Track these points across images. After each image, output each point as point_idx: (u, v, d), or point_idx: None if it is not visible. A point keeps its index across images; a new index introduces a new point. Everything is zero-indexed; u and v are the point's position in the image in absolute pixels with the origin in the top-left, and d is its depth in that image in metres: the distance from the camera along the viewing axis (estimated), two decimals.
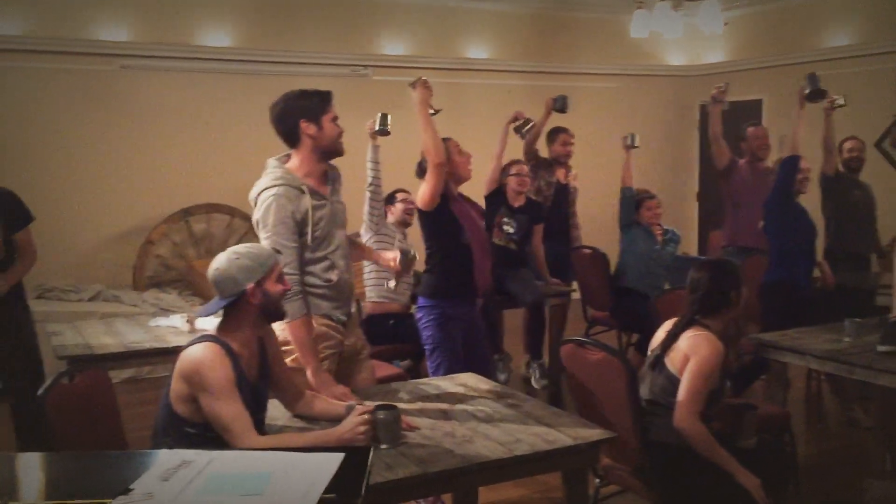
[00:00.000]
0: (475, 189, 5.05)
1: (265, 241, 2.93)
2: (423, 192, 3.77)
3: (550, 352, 5.42)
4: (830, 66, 7.78)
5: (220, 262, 2.47)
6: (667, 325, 3.12)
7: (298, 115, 3.00)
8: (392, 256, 3.53)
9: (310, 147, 3.03)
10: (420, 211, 3.88)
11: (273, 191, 2.94)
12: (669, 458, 2.90)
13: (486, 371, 3.79)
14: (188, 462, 1.43)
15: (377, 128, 4.61)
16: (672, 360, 2.98)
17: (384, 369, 4.21)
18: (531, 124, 5.44)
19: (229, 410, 2.31)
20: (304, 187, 2.98)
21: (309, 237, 2.97)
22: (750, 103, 8.68)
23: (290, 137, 3.04)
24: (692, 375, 2.89)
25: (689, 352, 2.93)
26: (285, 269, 2.84)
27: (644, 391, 3.01)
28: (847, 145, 5.61)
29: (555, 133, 6.02)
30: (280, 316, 2.60)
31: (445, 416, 2.76)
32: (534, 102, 8.29)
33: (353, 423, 2.40)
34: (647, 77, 9.19)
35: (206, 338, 2.44)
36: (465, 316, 3.95)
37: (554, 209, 5.93)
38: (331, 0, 7.58)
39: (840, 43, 7.85)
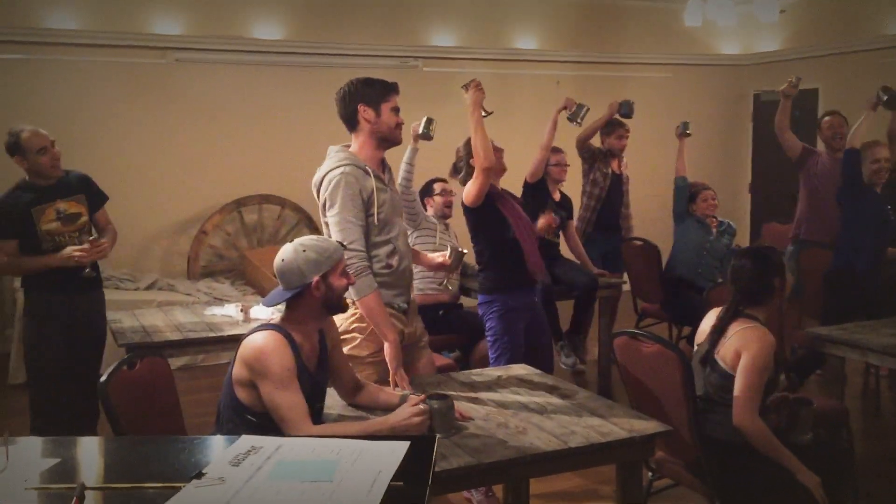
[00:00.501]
0: (516, 177, 5.05)
1: (333, 218, 2.98)
2: (469, 192, 3.82)
3: (601, 344, 5.39)
4: (890, 54, 7.59)
5: (286, 253, 2.50)
6: (711, 318, 3.08)
7: (358, 100, 3.06)
8: (440, 255, 3.56)
9: (367, 132, 3.08)
10: (466, 208, 3.92)
11: (340, 170, 3.00)
12: (725, 455, 2.87)
13: (548, 360, 3.85)
14: (257, 448, 1.46)
15: (420, 131, 4.52)
16: (723, 356, 2.94)
17: (434, 360, 4.23)
18: (585, 109, 5.38)
19: (287, 399, 2.35)
20: (368, 168, 3.04)
21: (375, 218, 3.02)
22: (805, 92, 8.46)
23: (350, 121, 3.11)
24: (747, 372, 2.84)
25: (741, 347, 2.88)
26: (353, 246, 2.92)
27: (697, 387, 2.98)
28: None
29: (612, 126, 5.97)
30: (342, 309, 2.62)
31: (499, 406, 2.76)
32: (584, 92, 8.21)
33: (408, 413, 2.42)
34: (700, 66, 9.05)
35: (269, 326, 2.48)
36: (527, 306, 4.01)
37: (608, 200, 5.89)
38: None
39: None
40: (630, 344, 3.08)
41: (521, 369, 3.27)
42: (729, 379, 2.89)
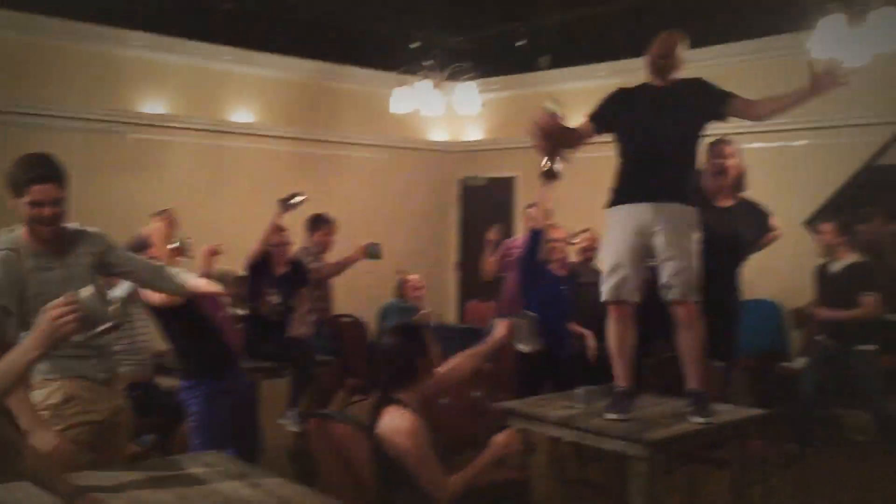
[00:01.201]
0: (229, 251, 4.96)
1: None
2: (160, 298, 3.66)
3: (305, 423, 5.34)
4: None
5: None
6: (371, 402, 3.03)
7: (6, 182, 2.88)
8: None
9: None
10: (154, 309, 3.81)
11: None
12: None
13: (254, 445, 3.86)
14: None
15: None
16: (385, 441, 2.86)
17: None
18: (302, 198, 5.38)
19: None
20: (22, 251, 2.87)
21: (33, 302, 2.80)
22: (505, 180, 9.24)
23: None
24: (416, 468, 2.79)
25: (395, 441, 2.82)
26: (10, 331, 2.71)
27: None
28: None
29: (319, 222, 6.04)
30: None
31: (180, 499, 2.61)
32: (300, 168, 8.31)
33: None
34: (412, 150, 9.50)
35: None
36: (232, 389, 3.90)
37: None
38: (83, 53, 7.18)
39: None
40: (322, 425, 3.07)
41: (213, 457, 3.12)
42: (394, 461, 2.84)
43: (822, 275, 5.67)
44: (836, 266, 5.60)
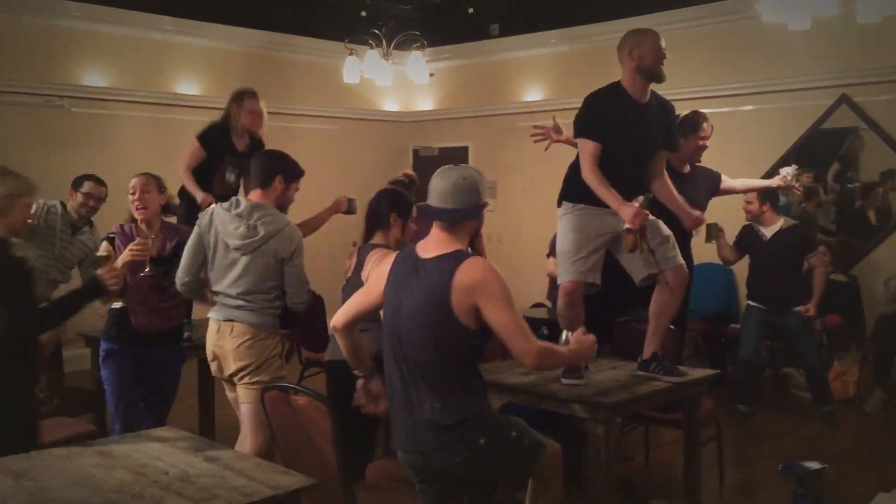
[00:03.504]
0: None
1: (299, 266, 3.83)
2: None
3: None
4: (526, 118, 8.51)
5: (465, 171, 2.72)
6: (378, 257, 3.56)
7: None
8: None
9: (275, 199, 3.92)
10: None
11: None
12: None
13: (161, 417, 3.94)
14: None
15: None
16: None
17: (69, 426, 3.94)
18: None
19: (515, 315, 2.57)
20: None
21: None
22: (458, 149, 9.22)
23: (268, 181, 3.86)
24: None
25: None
26: None
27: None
28: None
29: None
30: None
31: (137, 475, 2.58)
32: None
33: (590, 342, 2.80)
34: (363, 121, 9.42)
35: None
36: (131, 355, 3.92)
37: None
38: (19, 25, 6.94)
39: (534, 98, 8.59)
40: (281, 398, 3.05)
41: (166, 431, 3.10)
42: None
43: (754, 242, 5.83)
44: (767, 233, 5.77)
